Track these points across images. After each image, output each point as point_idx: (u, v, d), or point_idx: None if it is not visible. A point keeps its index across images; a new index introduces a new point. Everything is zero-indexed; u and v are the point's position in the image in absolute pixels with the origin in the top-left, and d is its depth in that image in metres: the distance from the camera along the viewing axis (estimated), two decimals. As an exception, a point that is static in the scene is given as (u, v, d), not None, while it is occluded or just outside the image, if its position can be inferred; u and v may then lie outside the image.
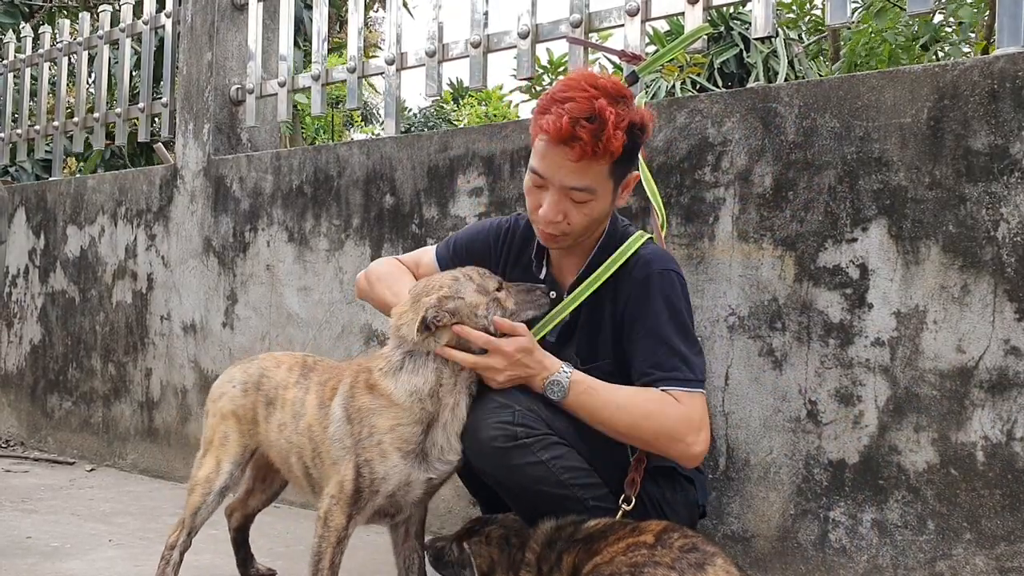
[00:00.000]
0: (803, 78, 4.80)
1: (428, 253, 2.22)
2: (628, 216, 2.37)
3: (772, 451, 2.23)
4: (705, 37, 2.70)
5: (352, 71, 3.40)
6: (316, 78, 3.52)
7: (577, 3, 2.77)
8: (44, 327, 4.46)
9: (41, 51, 4.86)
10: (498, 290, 1.85)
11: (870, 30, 4.76)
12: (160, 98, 4.15)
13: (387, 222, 3.11)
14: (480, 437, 1.78)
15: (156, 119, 4.22)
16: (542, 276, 2.03)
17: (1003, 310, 1.94)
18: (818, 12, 5.52)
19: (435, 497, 2.06)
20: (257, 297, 3.50)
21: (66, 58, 4.95)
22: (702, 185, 2.38)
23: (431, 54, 3.15)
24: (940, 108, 2.03)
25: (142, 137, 4.34)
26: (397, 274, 2.14)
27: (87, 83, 4.77)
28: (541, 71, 4.90)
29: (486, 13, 3.03)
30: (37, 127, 4.90)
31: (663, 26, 4.88)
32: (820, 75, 5.26)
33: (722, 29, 5.18)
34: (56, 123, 4.75)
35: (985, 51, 4.32)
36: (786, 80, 4.69)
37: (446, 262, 2.14)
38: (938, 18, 4.82)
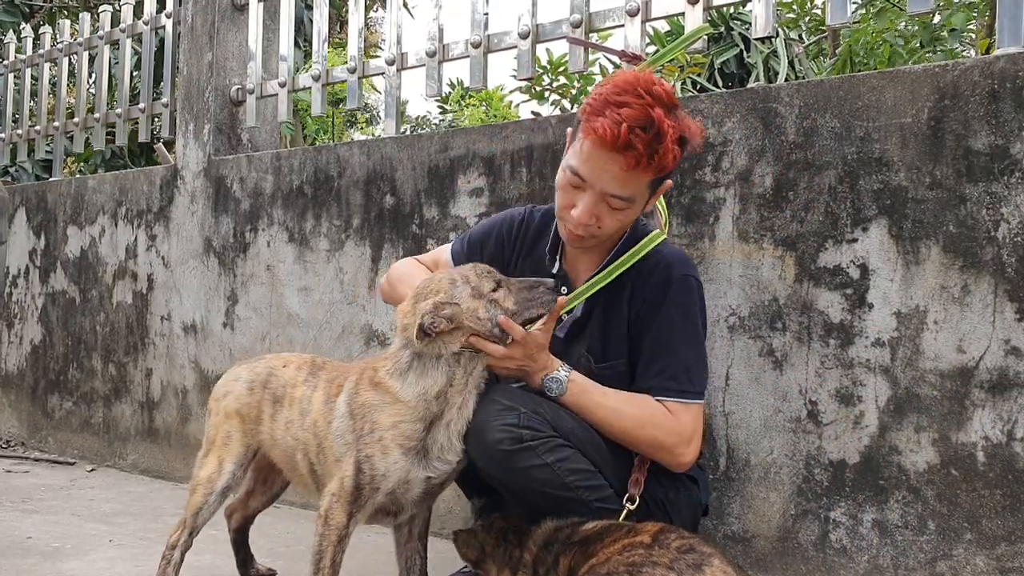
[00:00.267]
0: (803, 78, 4.80)
1: (445, 252, 2.21)
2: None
3: (772, 451, 2.23)
4: (705, 37, 2.70)
5: (352, 71, 3.40)
6: (316, 78, 3.52)
7: (577, 3, 2.77)
8: (44, 327, 4.46)
9: (41, 51, 4.86)
10: (495, 290, 1.81)
11: (869, 29, 4.75)
12: (160, 98, 4.15)
13: (387, 222, 3.11)
14: (485, 440, 1.78)
15: (156, 119, 4.22)
16: (555, 271, 2.02)
17: (1003, 310, 1.94)
18: (819, 12, 5.52)
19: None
20: (257, 297, 3.50)
21: (66, 58, 4.95)
22: (702, 185, 2.38)
23: (431, 54, 3.15)
24: (940, 108, 2.03)
25: (142, 137, 4.34)
26: (416, 274, 2.13)
27: (87, 83, 4.77)
28: (541, 71, 4.90)
29: (486, 13, 3.03)
30: (37, 127, 4.90)
31: (663, 26, 4.88)
32: (816, 74, 5.25)
33: (722, 29, 5.18)
34: (56, 123, 4.75)
35: (987, 51, 4.33)
36: (786, 80, 4.69)
37: (461, 259, 2.13)
38: (937, 19, 4.82)
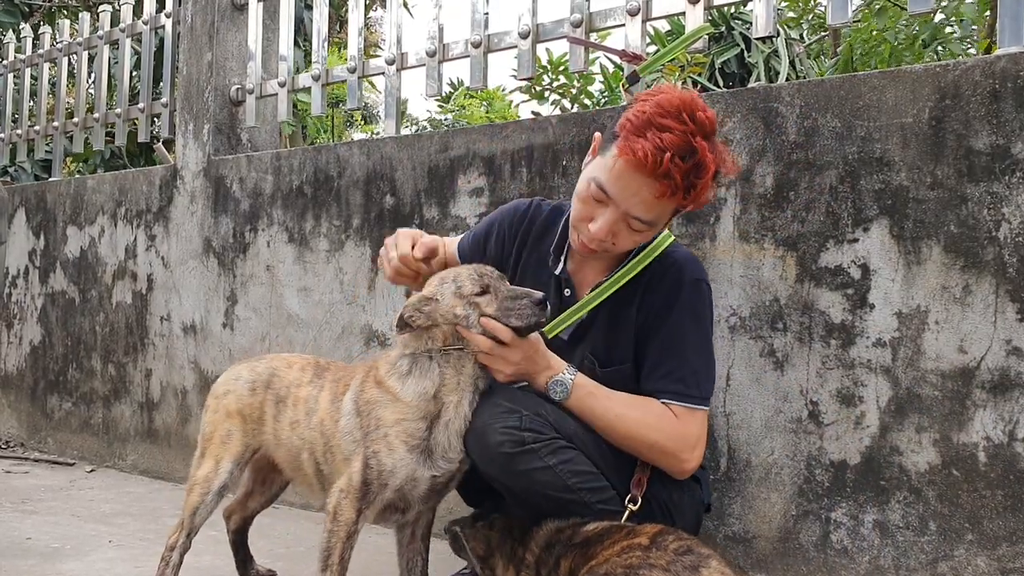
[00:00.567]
0: (804, 78, 4.80)
1: (452, 245, 2.20)
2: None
3: (773, 452, 2.23)
4: (706, 37, 2.69)
5: (352, 71, 3.40)
6: (316, 78, 3.52)
7: (578, 3, 2.76)
8: (44, 328, 4.45)
9: (41, 51, 4.86)
10: (479, 294, 1.80)
11: (870, 29, 4.75)
12: (160, 98, 4.15)
13: (387, 222, 3.10)
14: (487, 443, 1.77)
15: (156, 119, 4.22)
16: (557, 272, 1.99)
17: (1005, 310, 1.94)
18: (821, 11, 5.51)
19: (435, 498, 2.06)
20: (257, 298, 3.50)
21: (66, 58, 4.94)
22: (703, 185, 2.37)
23: (431, 54, 3.14)
24: (941, 108, 2.03)
25: (142, 137, 4.34)
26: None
27: (87, 83, 4.76)
28: (541, 71, 4.90)
29: (487, 13, 3.02)
30: (37, 127, 4.90)
31: (664, 26, 4.88)
32: (818, 74, 5.25)
33: (723, 29, 5.18)
34: (56, 123, 4.75)
35: (988, 50, 4.32)
36: (787, 80, 4.68)
37: (465, 256, 2.13)
38: (939, 17, 4.81)
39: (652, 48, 4.29)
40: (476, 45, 3.02)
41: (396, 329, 1.81)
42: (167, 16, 4.07)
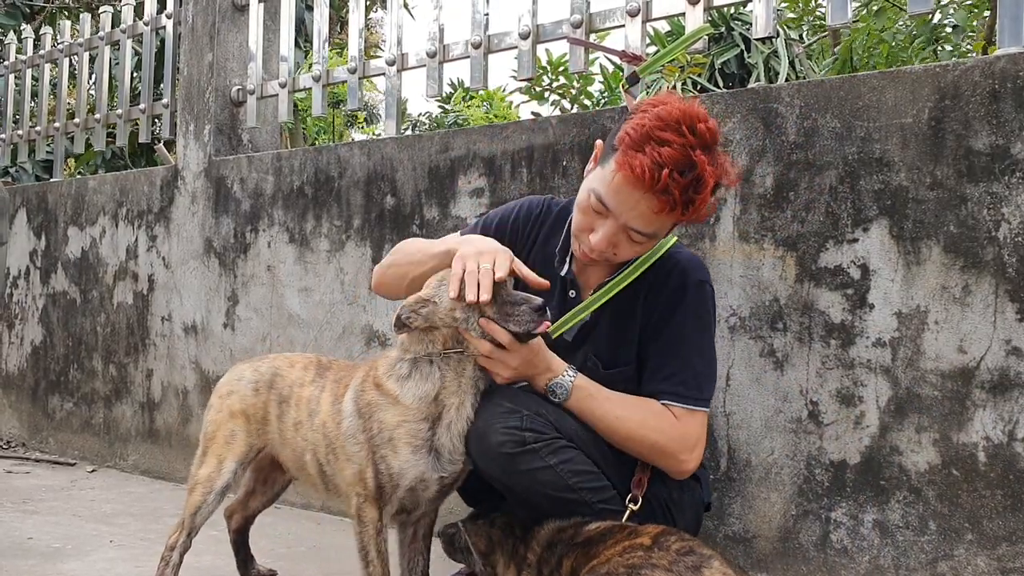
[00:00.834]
0: (804, 78, 4.80)
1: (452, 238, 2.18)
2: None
3: (773, 452, 2.23)
4: (706, 37, 2.70)
5: (353, 72, 3.41)
6: (317, 79, 3.52)
7: (578, 4, 2.77)
8: (45, 328, 4.46)
9: (42, 52, 4.86)
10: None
11: (868, 29, 4.75)
12: (161, 99, 4.16)
13: (388, 223, 3.11)
14: (488, 443, 1.77)
15: (157, 120, 4.22)
16: (563, 272, 1.99)
17: (1004, 310, 1.94)
18: (821, 11, 5.51)
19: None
20: (258, 298, 3.50)
21: (67, 59, 4.95)
22: (703, 185, 2.37)
23: (432, 55, 3.15)
24: (941, 108, 2.03)
25: (143, 138, 4.34)
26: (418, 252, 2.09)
27: (88, 84, 4.77)
28: (541, 71, 4.90)
29: (487, 14, 3.03)
30: (38, 128, 4.90)
31: (664, 27, 4.88)
32: (817, 74, 5.25)
33: (723, 29, 5.18)
34: (57, 124, 4.76)
35: (985, 51, 4.32)
36: (787, 80, 4.69)
37: None
38: (937, 17, 4.81)
39: (652, 49, 4.29)
40: (476, 46, 3.02)
41: (395, 329, 1.81)
42: (168, 17, 4.08)
